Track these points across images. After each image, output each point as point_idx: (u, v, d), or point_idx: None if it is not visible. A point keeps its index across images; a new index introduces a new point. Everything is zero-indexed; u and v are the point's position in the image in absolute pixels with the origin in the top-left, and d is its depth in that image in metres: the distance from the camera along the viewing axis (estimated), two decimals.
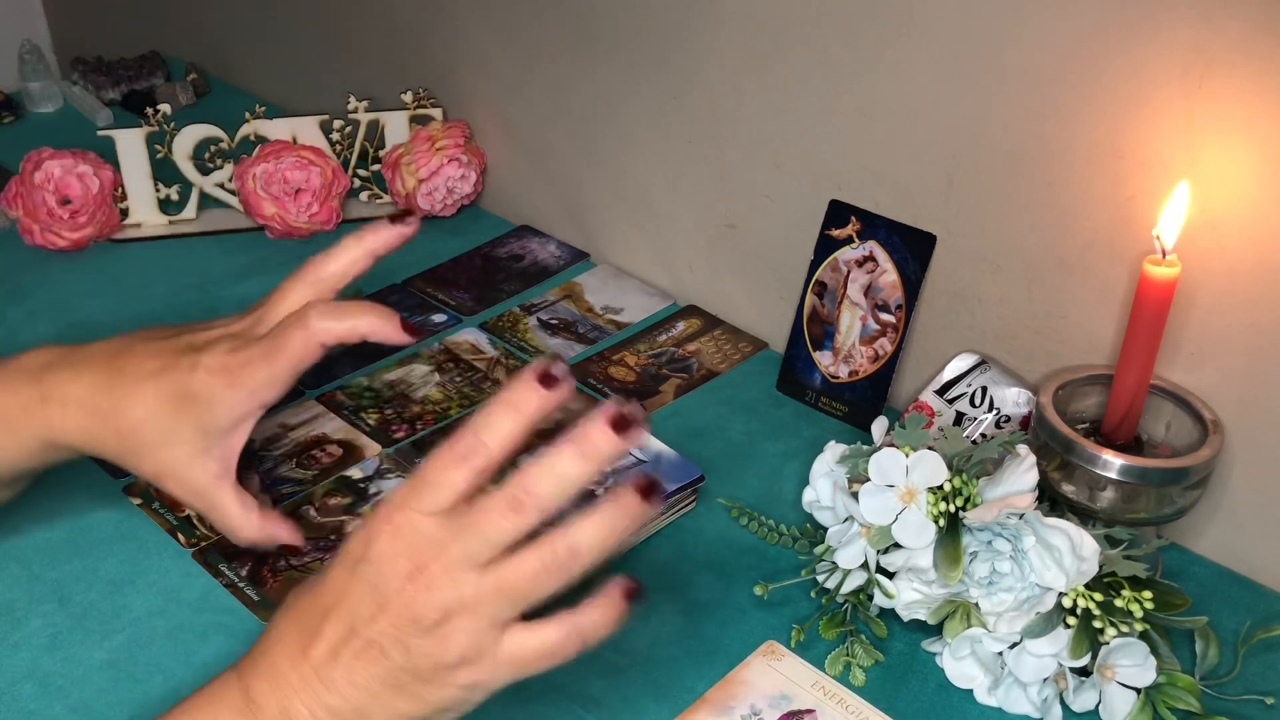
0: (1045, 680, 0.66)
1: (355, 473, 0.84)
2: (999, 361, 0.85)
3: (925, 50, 0.81)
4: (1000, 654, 0.67)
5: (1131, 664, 0.64)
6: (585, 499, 0.52)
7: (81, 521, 0.80)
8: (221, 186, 1.15)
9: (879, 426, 0.73)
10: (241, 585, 0.75)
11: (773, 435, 0.90)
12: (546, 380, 0.51)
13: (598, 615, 0.53)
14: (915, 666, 0.71)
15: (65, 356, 0.69)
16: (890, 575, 0.69)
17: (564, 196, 1.12)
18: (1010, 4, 0.76)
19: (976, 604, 0.67)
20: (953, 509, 0.66)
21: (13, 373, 0.68)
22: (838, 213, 0.90)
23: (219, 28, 1.43)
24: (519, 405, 0.51)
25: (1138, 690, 0.65)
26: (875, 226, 0.88)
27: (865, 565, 0.69)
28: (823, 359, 0.92)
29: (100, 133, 1.11)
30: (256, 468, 0.81)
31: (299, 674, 0.51)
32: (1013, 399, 0.82)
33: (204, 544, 0.78)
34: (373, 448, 0.87)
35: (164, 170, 1.13)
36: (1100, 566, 0.65)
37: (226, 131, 1.13)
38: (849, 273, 0.90)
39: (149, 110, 1.12)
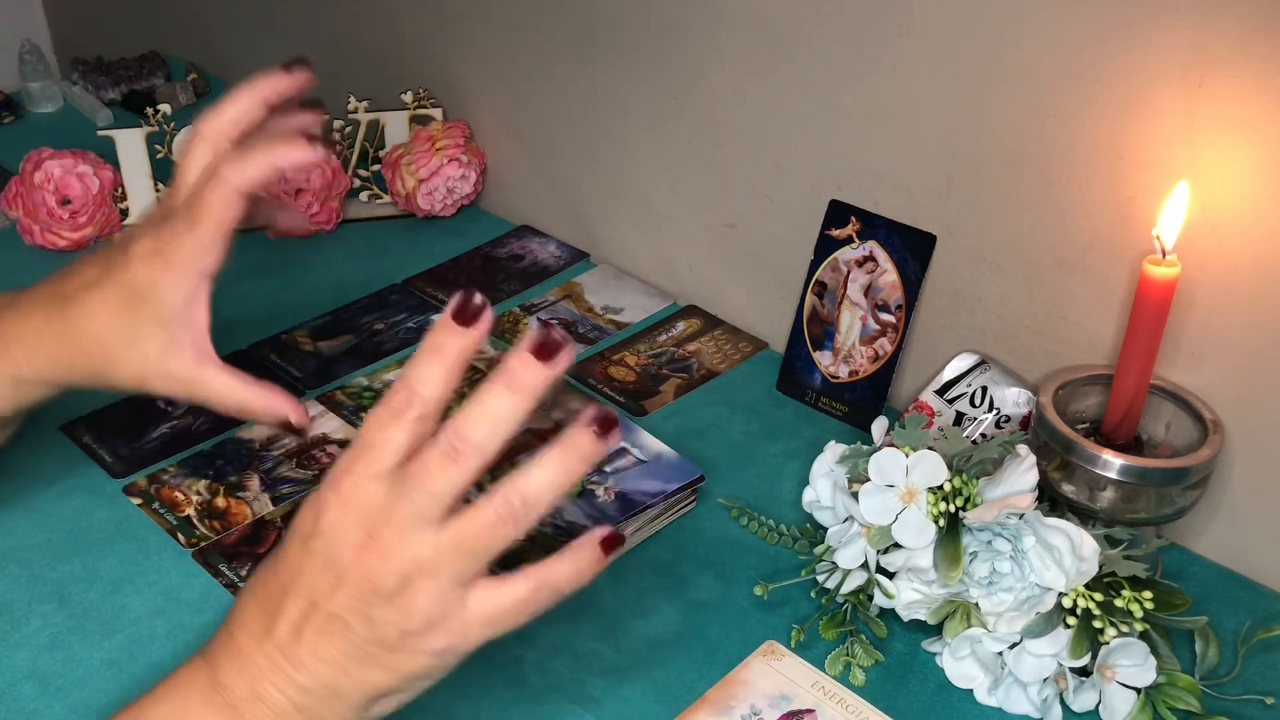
0: (1045, 680, 0.66)
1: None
2: (999, 361, 0.85)
3: (925, 50, 0.81)
4: (1000, 654, 0.67)
5: (1131, 664, 0.64)
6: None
7: (81, 521, 0.80)
8: None
9: (879, 426, 0.73)
10: (241, 585, 0.75)
11: (773, 435, 0.90)
12: (463, 317, 0.49)
13: (569, 565, 0.51)
14: (915, 666, 0.71)
15: (9, 301, 0.69)
16: (890, 575, 0.69)
17: (564, 196, 1.12)
18: (1010, 4, 0.76)
19: (976, 604, 0.67)
20: (953, 509, 0.66)
21: None
22: (838, 213, 0.90)
23: (219, 28, 1.43)
24: (442, 349, 0.49)
25: (1138, 690, 0.65)
26: (875, 226, 0.88)
27: (865, 565, 0.69)
28: (823, 359, 0.92)
29: (100, 133, 1.11)
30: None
31: (265, 655, 0.50)
32: (1013, 399, 0.82)
33: (204, 544, 0.78)
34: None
35: (164, 170, 1.13)
36: (1100, 566, 0.65)
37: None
38: (849, 273, 0.90)
39: (149, 110, 1.12)
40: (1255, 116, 0.68)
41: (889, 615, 0.71)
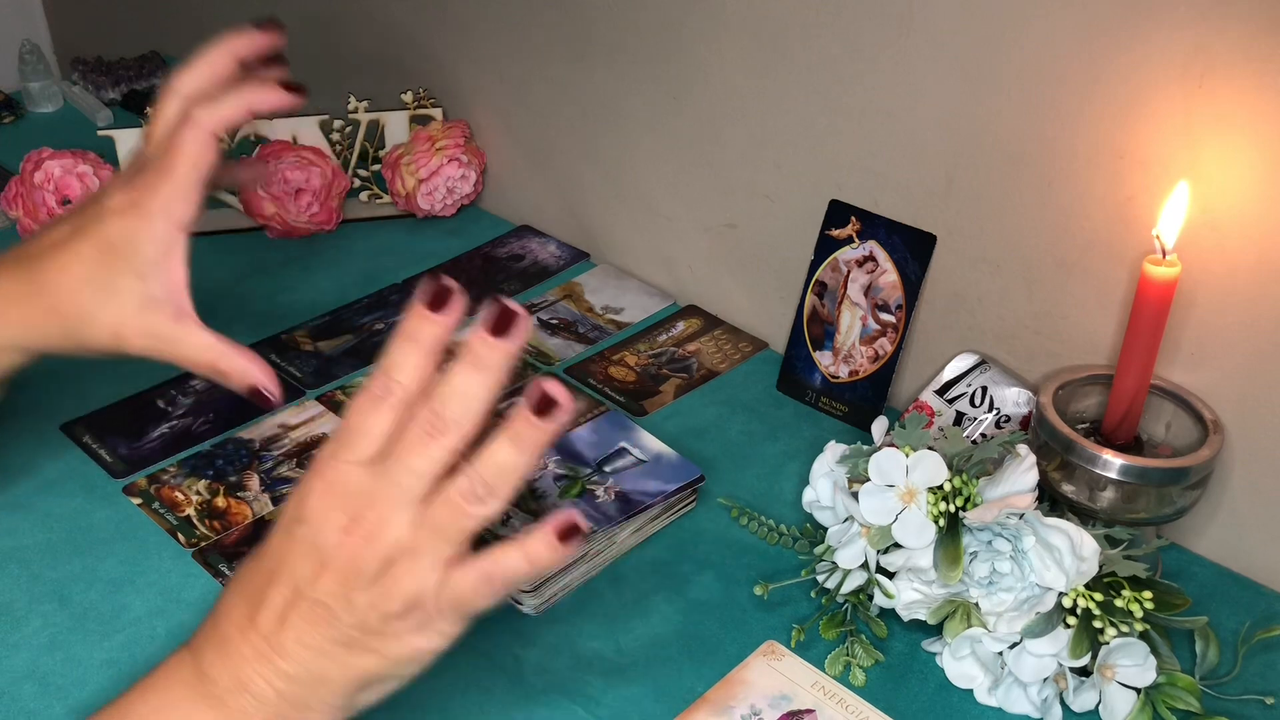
0: (1045, 680, 0.66)
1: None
2: (999, 361, 0.85)
3: (925, 50, 0.81)
4: (1000, 654, 0.67)
5: (1131, 664, 0.64)
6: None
7: (81, 521, 0.80)
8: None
9: (879, 426, 0.73)
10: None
11: (773, 435, 0.90)
12: (435, 304, 0.50)
13: (519, 553, 0.51)
14: (915, 666, 0.71)
15: None
16: (890, 575, 0.69)
17: (564, 196, 1.12)
18: (1010, 4, 0.76)
19: (976, 604, 0.67)
20: (953, 509, 0.66)
21: None
22: (838, 213, 0.90)
23: (219, 28, 1.42)
24: (417, 336, 0.50)
25: (1138, 690, 0.65)
26: (875, 226, 0.88)
27: (865, 565, 0.69)
28: (823, 359, 0.92)
29: (100, 133, 1.11)
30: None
31: (249, 644, 0.50)
32: (1013, 399, 0.82)
33: (204, 544, 0.78)
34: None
35: None
36: (1100, 566, 0.65)
37: (226, 131, 1.13)
38: (849, 273, 0.90)
39: (149, 110, 1.12)
40: (1255, 116, 0.68)
41: (889, 615, 0.71)
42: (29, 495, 0.82)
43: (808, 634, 0.71)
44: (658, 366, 0.97)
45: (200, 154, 0.64)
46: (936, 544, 0.66)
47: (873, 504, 0.67)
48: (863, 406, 0.90)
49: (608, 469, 0.80)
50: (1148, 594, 0.64)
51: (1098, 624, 0.64)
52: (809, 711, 0.67)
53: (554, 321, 1.02)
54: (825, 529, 0.72)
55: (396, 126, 1.17)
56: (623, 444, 0.83)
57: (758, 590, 0.73)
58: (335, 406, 0.91)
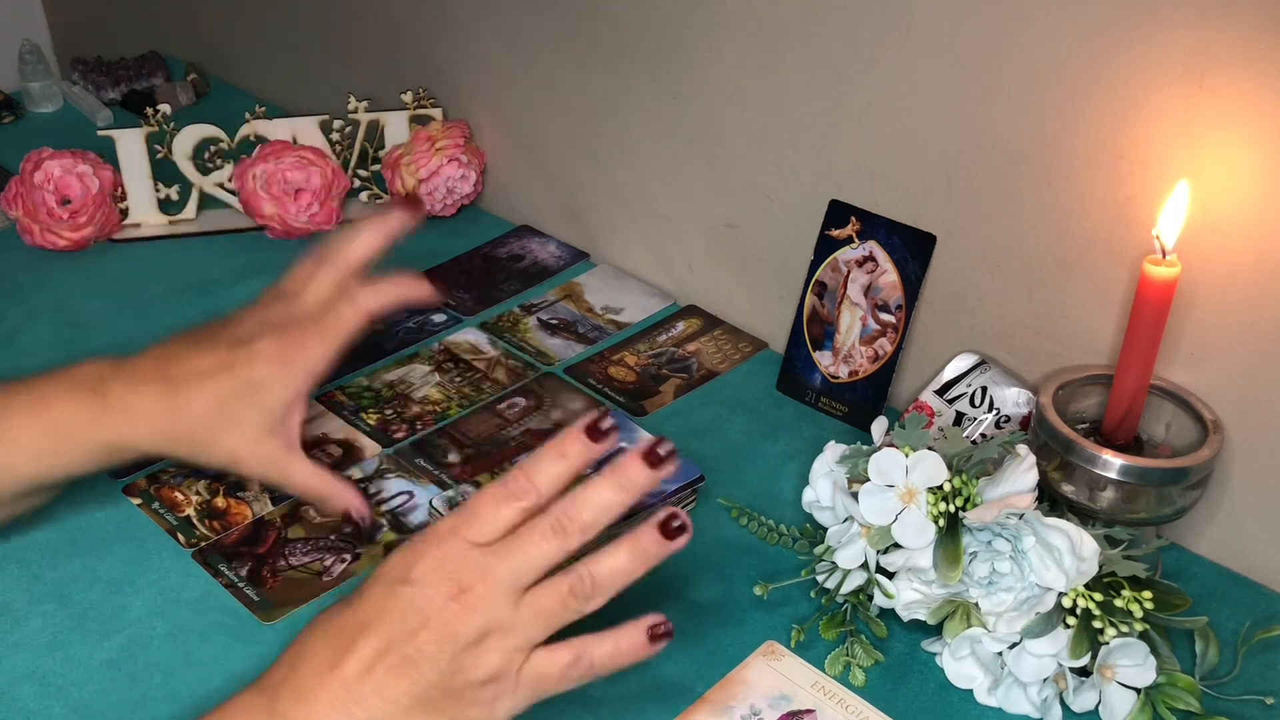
0: (1045, 680, 0.66)
1: (355, 473, 0.84)
2: (999, 361, 0.85)
3: (925, 50, 0.81)
4: (1000, 654, 0.67)
5: (1131, 664, 0.64)
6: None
7: (81, 521, 0.80)
8: (221, 186, 1.15)
9: (879, 426, 0.73)
10: (241, 585, 0.75)
11: (773, 435, 0.90)
12: (594, 434, 0.54)
13: (612, 645, 0.55)
14: (915, 666, 0.71)
15: (118, 367, 0.71)
16: (890, 575, 0.69)
17: (564, 196, 1.12)
18: (1010, 4, 0.76)
19: (976, 604, 0.67)
20: (953, 509, 0.66)
21: (69, 387, 0.70)
22: (838, 213, 0.90)
23: (219, 28, 1.43)
24: (568, 454, 0.55)
25: (1138, 690, 0.65)
26: (875, 226, 0.88)
27: (865, 565, 0.69)
28: (823, 359, 0.92)
29: (100, 133, 1.11)
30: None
31: (327, 689, 0.52)
32: (1013, 399, 0.82)
33: (204, 544, 0.78)
34: (372, 448, 0.87)
35: (164, 170, 1.13)
36: (1100, 566, 0.65)
37: (226, 131, 1.13)
38: (849, 273, 0.90)
39: (149, 110, 1.12)
40: (1255, 116, 0.68)
41: (889, 615, 0.71)
42: None
43: (808, 634, 0.71)
44: (658, 366, 0.97)
45: (353, 330, 0.73)
46: (936, 544, 0.66)
47: (873, 504, 0.67)
48: (863, 406, 0.90)
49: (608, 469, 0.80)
50: (1148, 594, 0.64)
51: (1098, 624, 0.64)
52: (809, 711, 0.67)
53: (554, 321, 1.02)
54: (825, 529, 0.72)
55: (396, 126, 1.17)
56: (623, 444, 0.82)
57: (758, 590, 0.73)
58: (335, 407, 0.91)
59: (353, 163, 1.17)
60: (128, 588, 0.75)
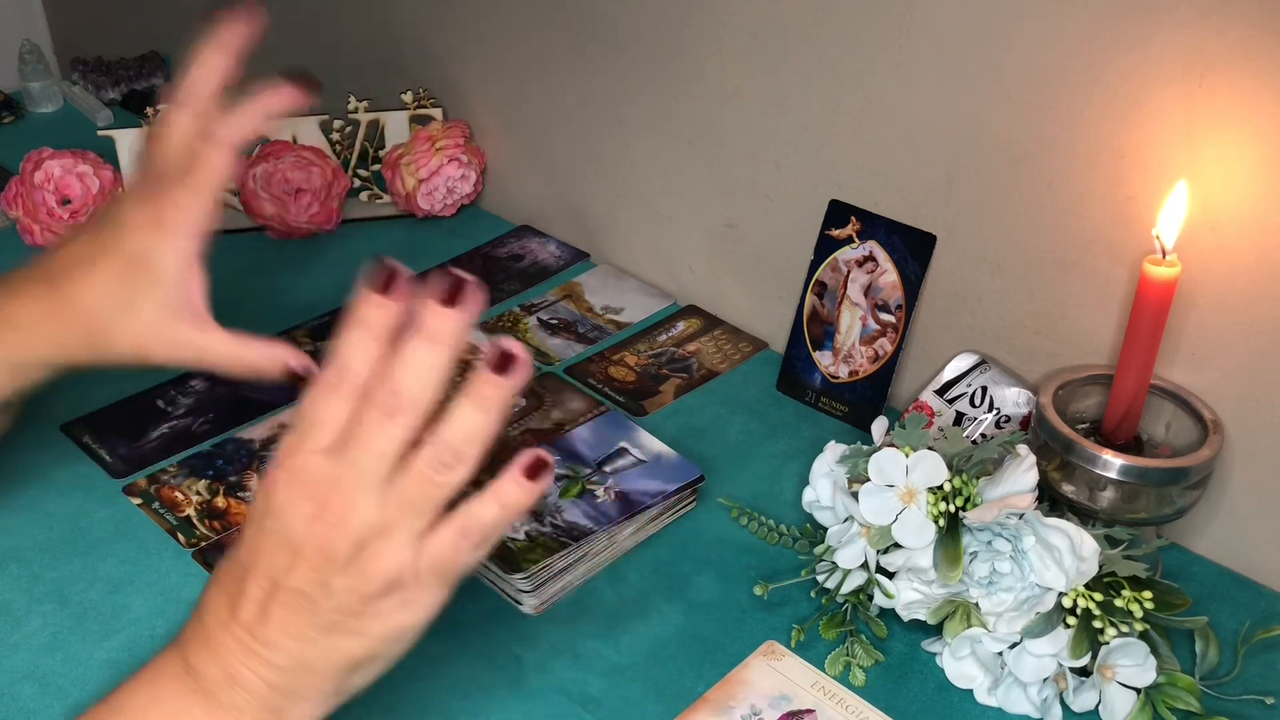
0: (1045, 680, 0.66)
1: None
2: (999, 361, 0.85)
3: (925, 50, 0.81)
4: (1000, 654, 0.67)
5: (1131, 664, 0.64)
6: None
7: (81, 521, 0.80)
8: None
9: (879, 426, 0.73)
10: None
11: (773, 435, 0.90)
12: (385, 287, 0.50)
13: (495, 501, 0.51)
14: (915, 666, 0.71)
15: (1, 284, 0.68)
16: (890, 575, 0.69)
17: (564, 196, 1.12)
18: (1010, 4, 0.76)
19: (976, 604, 0.67)
20: (953, 509, 0.66)
21: None
22: (838, 213, 0.90)
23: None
24: (368, 322, 0.51)
25: (1138, 690, 0.65)
26: (875, 226, 0.88)
27: (865, 565, 0.69)
28: (823, 359, 0.92)
29: (100, 133, 1.11)
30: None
31: (234, 637, 0.50)
32: (1013, 399, 0.82)
33: (204, 544, 0.78)
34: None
35: None
36: (1100, 566, 0.65)
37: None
38: (849, 273, 0.90)
39: (149, 110, 1.12)
40: (1255, 116, 0.68)
41: (889, 615, 0.71)
42: (29, 495, 0.82)
43: (808, 634, 0.71)
44: (658, 366, 0.97)
45: (222, 169, 0.66)
46: (936, 544, 0.66)
47: (873, 504, 0.67)
48: (863, 406, 0.90)
49: (608, 469, 0.80)
50: (1148, 594, 0.64)
51: (1098, 624, 0.64)
52: (809, 711, 0.67)
53: (554, 321, 1.02)
54: (825, 529, 0.72)
55: (396, 126, 1.17)
56: (623, 444, 0.83)
57: (758, 590, 0.73)
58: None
59: (353, 163, 1.17)
60: (128, 588, 0.75)
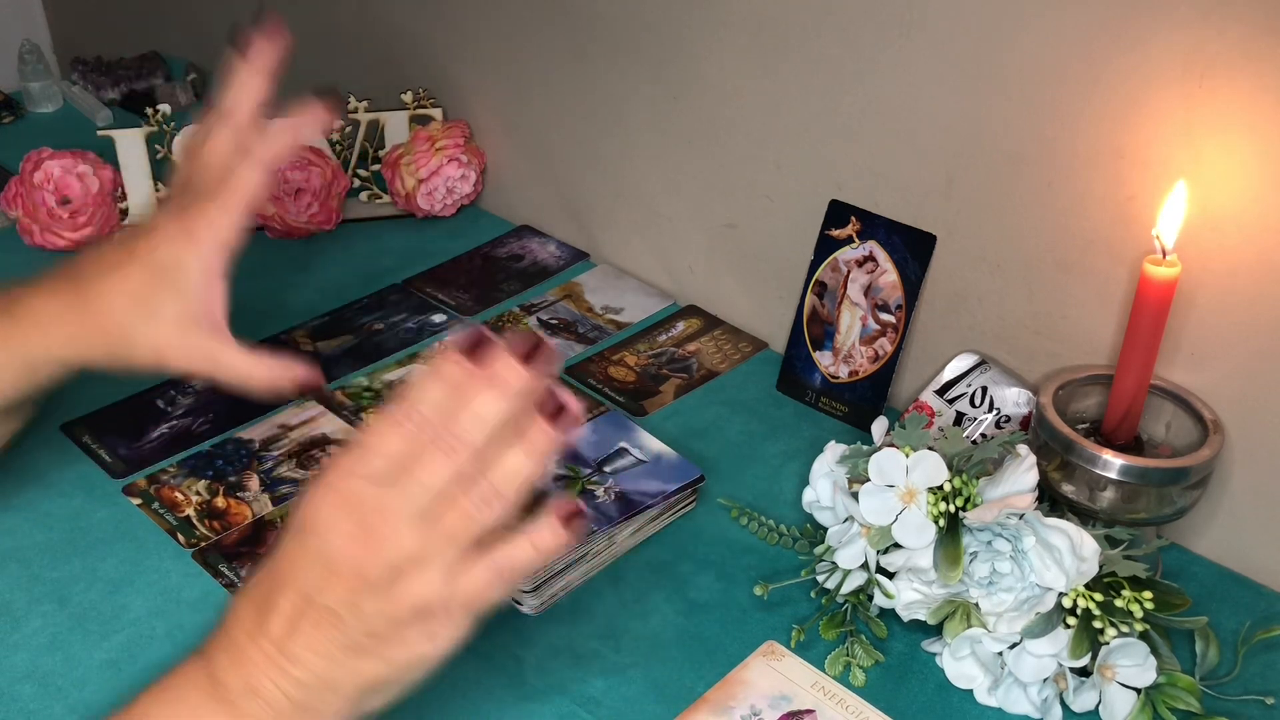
0: (1045, 680, 0.66)
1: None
2: (999, 361, 0.85)
3: (925, 51, 0.81)
4: (1000, 654, 0.67)
5: (1131, 664, 0.64)
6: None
7: (81, 521, 0.80)
8: None
9: (879, 426, 0.73)
10: (241, 585, 0.75)
11: (773, 435, 0.90)
12: (472, 353, 0.51)
13: (528, 546, 0.53)
14: (915, 666, 0.71)
15: (29, 282, 0.70)
16: (890, 575, 0.69)
17: (564, 196, 1.12)
18: (1011, 4, 0.76)
19: (976, 604, 0.67)
20: (953, 509, 0.66)
21: None
22: (838, 213, 0.90)
23: (219, 28, 1.42)
24: (444, 376, 0.52)
25: (1138, 690, 0.65)
26: (875, 226, 0.88)
27: (865, 565, 0.69)
28: (823, 359, 0.92)
29: (100, 133, 1.11)
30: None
31: (260, 650, 0.51)
32: (1013, 399, 0.82)
33: (204, 544, 0.78)
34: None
35: (164, 170, 1.13)
36: (1100, 566, 0.65)
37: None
38: (849, 273, 0.90)
39: (149, 110, 1.12)
40: (1255, 116, 0.68)
41: (889, 615, 0.71)
42: (29, 495, 0.82)
43: (808, 634, 0.71)
44: (658, 366, 0.97)
45: (254, 187, 0.68)
46: (936, 544, 0.66)
47: (873, 504, 0.67)
48: (863, 406, 0.90)
49: (608, 469, 0.80)
50: (1148, 594, 0.64)
51: (1098, 624, 0.64)
52: (809, 712, 0.67)
53: (554, 321, 1.02)
54: (825, 529, 0.72)
55: (396, 126, 1.17)
56: (623, 444, 0.83)
57: (758, 590, 0.73)
58: (335, 407, 0.91)
59: (353, 162, 1.17)
60: (128, 588, 0.75)
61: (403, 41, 1.20)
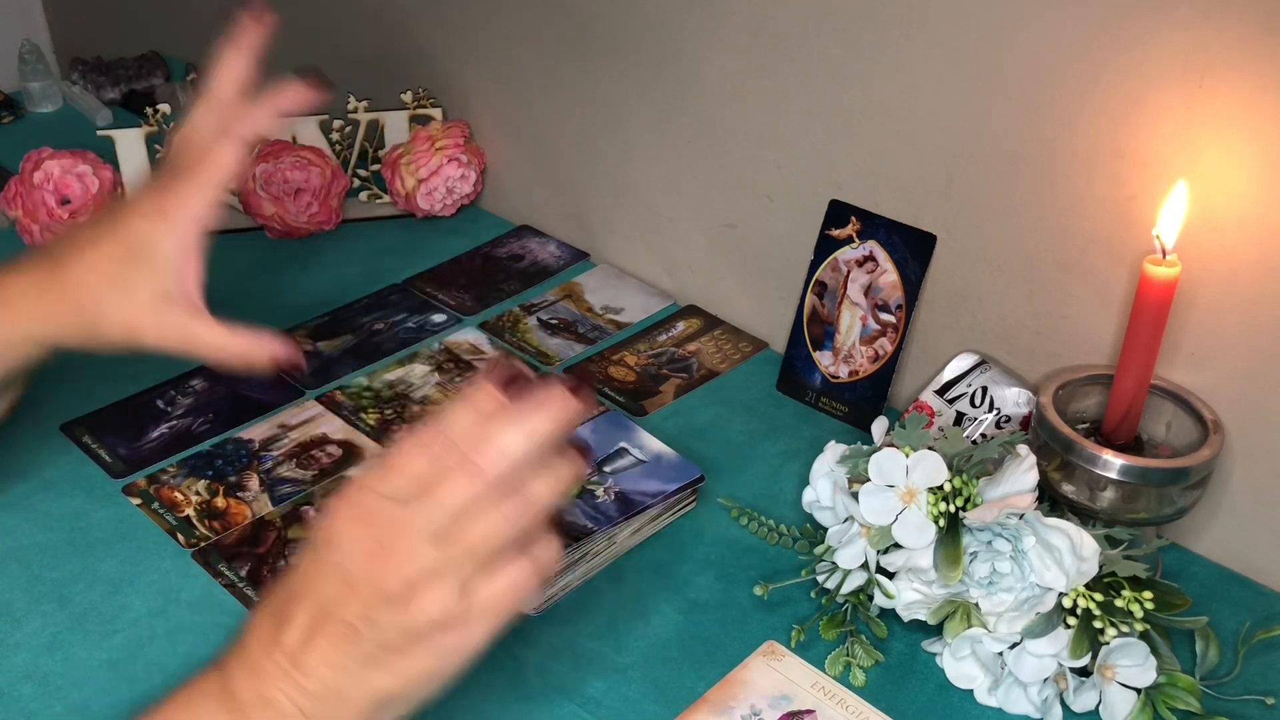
0: (1045, 680, 0.66)
1: (355, 473, 0.84)
2: (999, 361, 0.85)
3: (926, 51, 0.81)
4: (1000, 654, 0.67)
5: (1131, 664, 0.64)
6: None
7: (81, 521, 0.80)
8: None
9: (879, 426, 0.73)
10: (241, 585, 0.75)
11: (773, 435, 0.90)
12: (507, 387, 0.52)
13: (549, 545, 0.53)
14: (915, 666, 0.71)
15: (6, 265, 0.70)
16: (890, 575, 0.69)
17: (564, 196, 1.12)
18: (1010, 5, 0.76)
19: (976, 604, 0.67)
20: (953, 509, 0.66)
21: None
22: (838, 213, 0.90)
23: (219, 28, 1.42)
24: (479, 406, 0.52)
25: (1138, 690, 0.65)
26: (875, 226, 0.88)
27: (865, 565, 0.69)
28: (823, 359, 0.92)
29: (100, 133, 1.11)
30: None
31: (274, 662, 0.51)
32: (1013, 399, 0.82)
33: (204, 544, 0.78)
34: (372, 448, 0.87)
35: None
36: (1100, 566, 0.65)
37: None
38: (849, 273, 0.90)
39: (149, 110, 1.12)
40: (1255, 116, 0.68)
41: (889, 615, 0.71)
42: (29, 495, 0.82)
43: (808, 634, 0.71)
44: (658, 366, 0.97)
45: (228, 164, 0.68)
46: (936, 544, 0.66)
47: (873, 504, 0.67)
48: (863, 406, 0.90)
49: (608, 469, 0.80)
50: (1148, 594, 0.64)
51: (1098, 624, 0.64)
52: (809, 712, 0.67)
53: (554, 321, 1.02)
54: (825, 529, 0.72)
55: (396, 126, 1.17)
56: (623, 444, 0.83)
57: (758, 590, 0.73)
58: (335, 406, 0.91)
59: (352, 162, 1.17)
60: (128, 588, 0.75)
61: (403, 41, 1.20)
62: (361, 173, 1.18)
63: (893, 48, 0.82)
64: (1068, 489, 0.72)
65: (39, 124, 1.36)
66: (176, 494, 0.82)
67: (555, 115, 1.09)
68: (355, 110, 1.16)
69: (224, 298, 1.04)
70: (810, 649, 0.71)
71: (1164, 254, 0.68)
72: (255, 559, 0.77)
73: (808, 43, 0.87)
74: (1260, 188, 0.69)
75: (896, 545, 0.67)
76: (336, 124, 1.15)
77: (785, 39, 0.88)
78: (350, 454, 0.86)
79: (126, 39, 1.52)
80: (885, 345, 0.89)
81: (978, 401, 0.83)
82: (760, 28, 0.89)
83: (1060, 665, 0.66)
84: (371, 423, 0.89)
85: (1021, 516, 0.65)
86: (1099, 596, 0.64)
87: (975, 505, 0.66)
